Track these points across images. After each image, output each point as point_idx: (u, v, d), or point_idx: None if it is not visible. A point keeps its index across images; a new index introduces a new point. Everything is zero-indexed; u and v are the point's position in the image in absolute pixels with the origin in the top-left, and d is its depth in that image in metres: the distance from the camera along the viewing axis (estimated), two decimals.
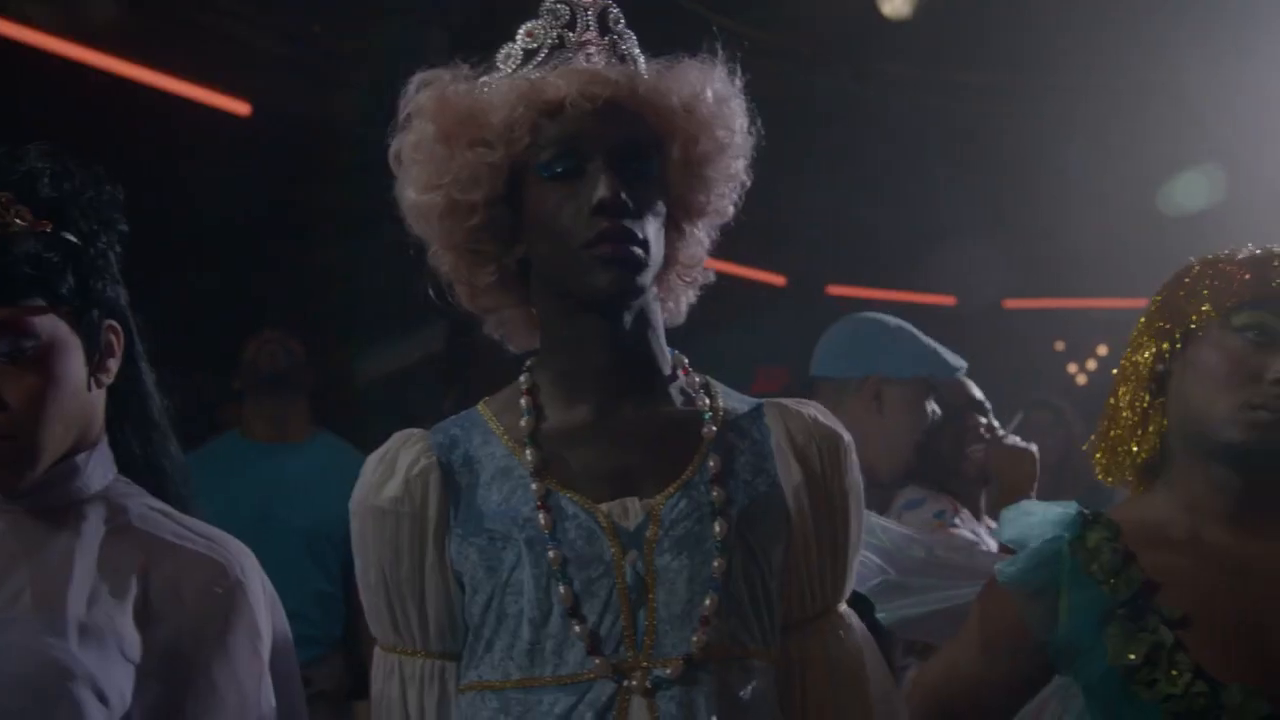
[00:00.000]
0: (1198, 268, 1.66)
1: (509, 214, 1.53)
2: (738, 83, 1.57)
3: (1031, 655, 1.66)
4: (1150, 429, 1.66)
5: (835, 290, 7.74)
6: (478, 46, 1.57)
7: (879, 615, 1.91)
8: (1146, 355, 1.65)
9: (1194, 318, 1.61)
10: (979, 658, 1.71)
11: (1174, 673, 1.54)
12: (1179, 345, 1.63)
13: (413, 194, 1.53)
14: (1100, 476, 1.73)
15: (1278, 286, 1.58)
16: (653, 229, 1.49)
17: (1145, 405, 1.66)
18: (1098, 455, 1.73)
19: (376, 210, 1.63)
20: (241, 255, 4.85)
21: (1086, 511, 1.69)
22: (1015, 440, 2.86)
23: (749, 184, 1.60)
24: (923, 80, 7.13)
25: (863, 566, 1.93)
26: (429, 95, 1.52)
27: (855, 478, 1.58)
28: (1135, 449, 1.68)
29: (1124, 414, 1.67)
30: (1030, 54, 6.63)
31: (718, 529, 1.46)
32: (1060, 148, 6.94)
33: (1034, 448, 2.83)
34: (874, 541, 1.92)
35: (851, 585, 1.61)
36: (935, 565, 1.89)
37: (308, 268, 5.16)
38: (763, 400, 1.60)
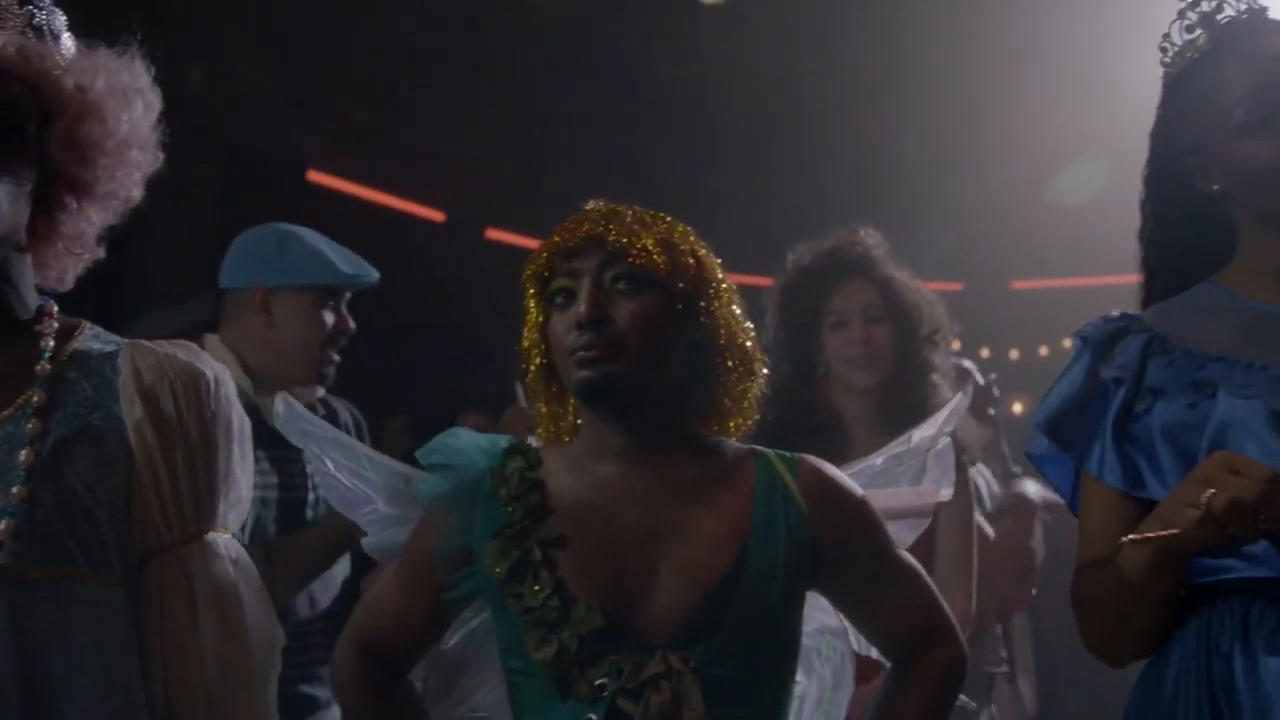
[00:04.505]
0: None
1: None
2: (146, 81, 1.69)
3: (443, 574, 1.75)
4: (569, 396, 1.79)
5: None
6: None
7: (364, 542, 1.97)
8: (530, 341, 1.79)
9: (535, 299, 1.77)
10: (402, 578, 1.78)
11: (536, 588, 1.64)
12: (544, 319, 1.76)
13: None
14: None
15: (566, 244, 1.72)
16: (3, 191, 1.57)
17: (549, 380, 1.80)
18: (539, 430, 1.85)
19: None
20: None
21: (515, 442, 1.79)
22: None
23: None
24: (745, 63, 7.22)
25: (353, 495, 1.99)
26: None
27: (219, 411, 1.68)
28: (564, 416, 1.82)
29: (541, 390, 1.82)
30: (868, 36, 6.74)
31: (23, 458, 1.56)
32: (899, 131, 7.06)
33: None
34: (361, 471, 1.98)
35: (221, 515, 1.69)
36: (414, 497, 1.96)
37: None
38: (126, 342, 1.69)
